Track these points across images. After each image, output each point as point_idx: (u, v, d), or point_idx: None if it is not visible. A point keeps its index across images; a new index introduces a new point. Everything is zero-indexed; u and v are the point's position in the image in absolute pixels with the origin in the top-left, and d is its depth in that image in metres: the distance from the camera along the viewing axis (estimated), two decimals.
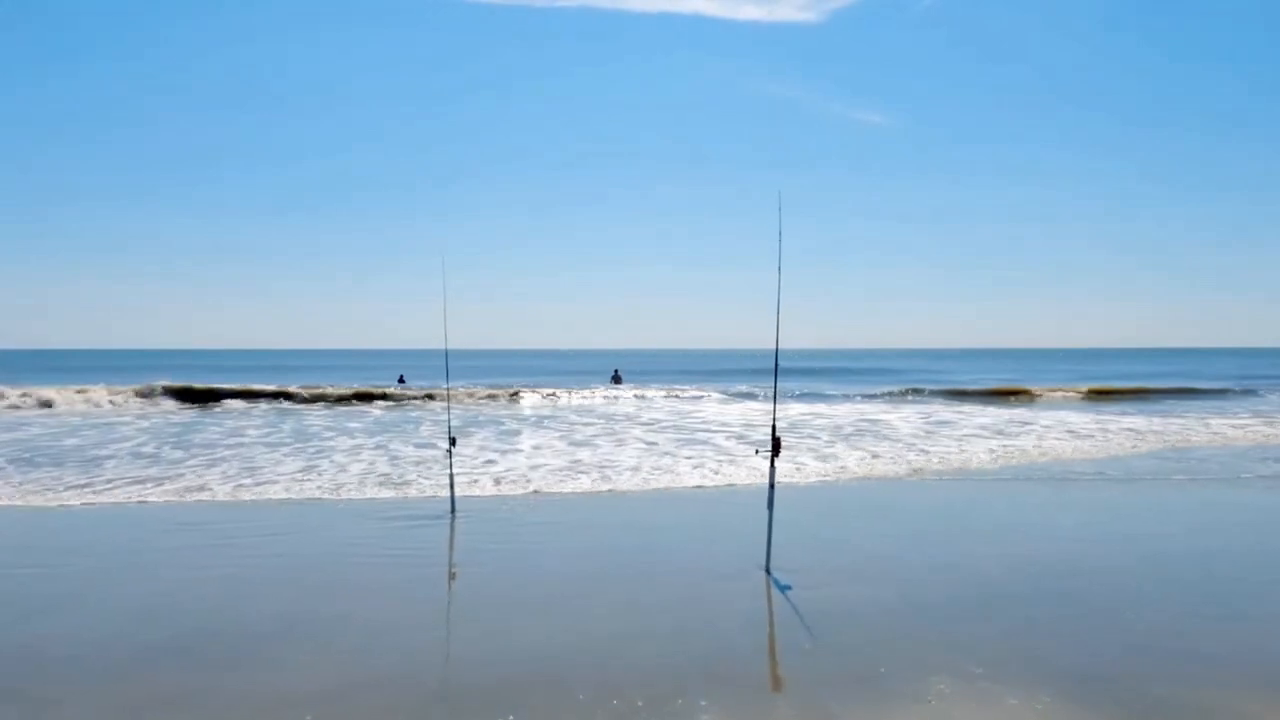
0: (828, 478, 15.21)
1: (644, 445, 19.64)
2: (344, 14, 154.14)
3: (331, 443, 19.73)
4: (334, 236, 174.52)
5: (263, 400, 33.15)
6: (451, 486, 11.95)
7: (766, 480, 8.68)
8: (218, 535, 10.77)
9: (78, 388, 32.69)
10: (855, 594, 7.97)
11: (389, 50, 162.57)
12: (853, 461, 16.89)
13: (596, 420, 26.65)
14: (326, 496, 13.27)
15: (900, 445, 19.37)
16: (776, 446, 8.81)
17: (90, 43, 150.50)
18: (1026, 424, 24.41)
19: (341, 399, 33.61)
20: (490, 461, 16.85)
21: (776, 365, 9.20)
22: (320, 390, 35.23)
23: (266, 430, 23.06)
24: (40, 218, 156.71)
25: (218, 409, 30.09)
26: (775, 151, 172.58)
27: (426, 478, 14.72)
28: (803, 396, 38.14)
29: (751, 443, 19.23)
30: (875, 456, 17.58)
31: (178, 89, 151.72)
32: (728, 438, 21.03)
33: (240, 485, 13.92)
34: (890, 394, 40.36)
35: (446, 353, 12.03)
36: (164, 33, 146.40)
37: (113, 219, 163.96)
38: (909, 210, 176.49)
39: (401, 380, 42.77)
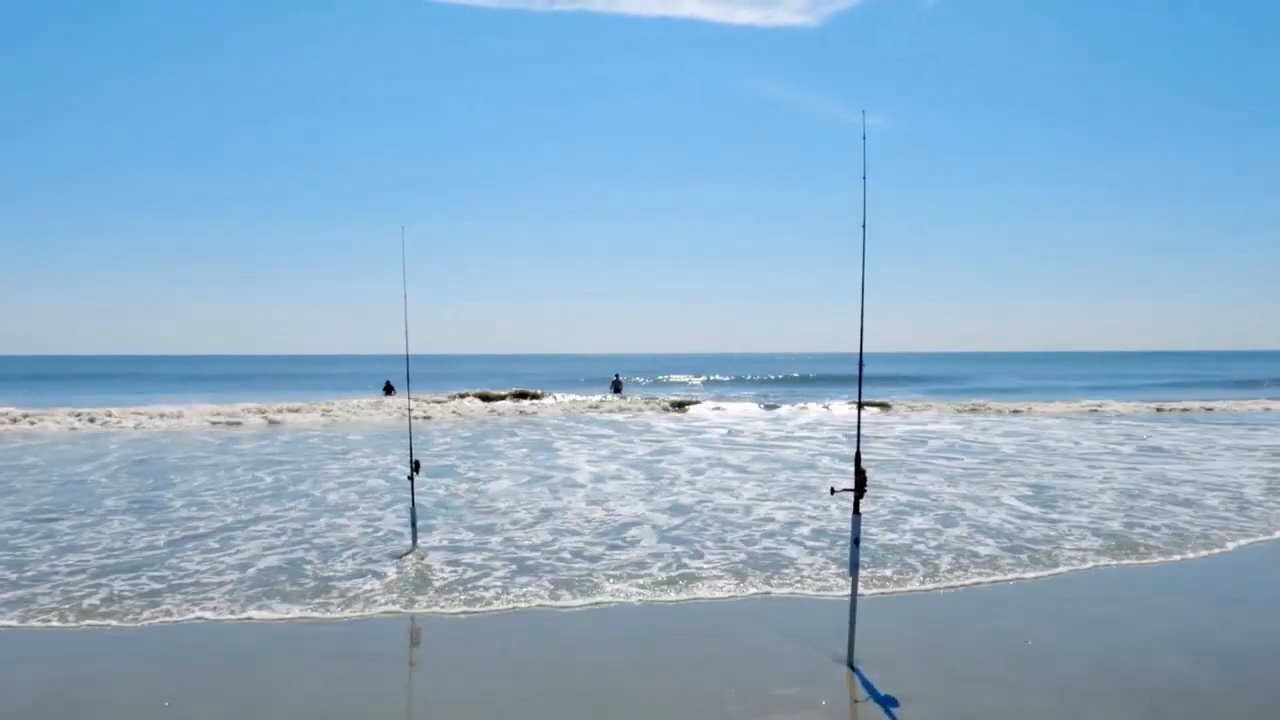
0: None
1: (739, 475, 14.54)
2: (331, 15, 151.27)
3: (325, 467, 15.14)
4: (333, 242, 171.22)
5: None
6: (413, 524, 9.16)
7: None
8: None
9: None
10: (992, 709, 5.16)
11: (380, 54, 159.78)
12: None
13: (643, 435, 21.75)
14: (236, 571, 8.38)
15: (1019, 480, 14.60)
16: (861, 482, 6.05)
17: (135, 53, 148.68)
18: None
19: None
20: (547, 513, 11.07)
21: (861, 369, 6.43)
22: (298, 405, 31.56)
23: (260, 443, 19.41)
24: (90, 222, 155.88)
25: (212, 427, 24.74)
26: (772, 155, 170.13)
27: (371, 568, 8.89)
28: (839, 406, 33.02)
29: (869, 463, 14.24)
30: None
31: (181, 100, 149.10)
32: (836, 459, 16.29)
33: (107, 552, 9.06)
34: (962, 408, 32.10)
35: (408, 357, 9.40)
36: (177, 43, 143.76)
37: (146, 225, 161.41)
38: (903, 213, 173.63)
39: (389, 389, 39.49)
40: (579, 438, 21.25)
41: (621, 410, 30.97)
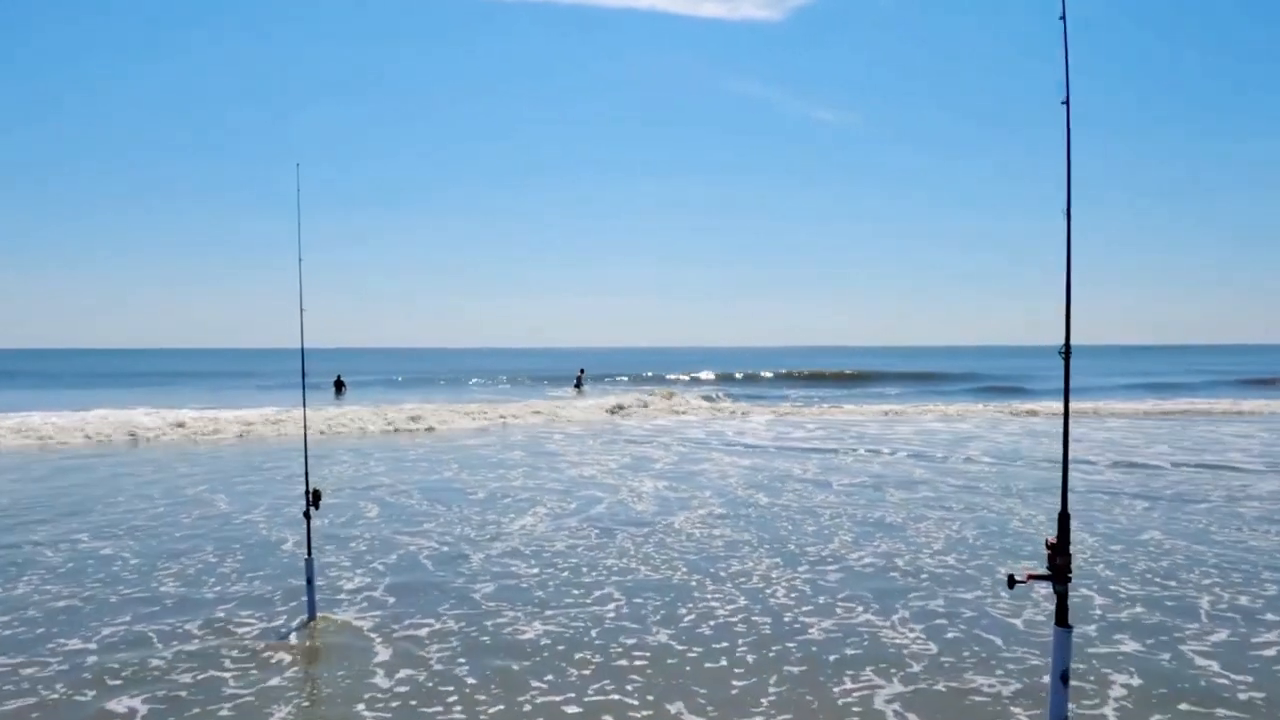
0: None
1: (862, 503, 10.11)
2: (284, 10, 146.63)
3: (293, 486, 10.31)
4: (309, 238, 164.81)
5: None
6: (310, 581, 6.08)
7: None
8: None
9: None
10: None
11: (349, 48, 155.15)
12: None
13: (632, 438, 17.34)
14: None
15: None
16: (1063, 562, 3.13)
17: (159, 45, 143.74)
18: None
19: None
20: (634, 597, 6.55)
21: (1068, 368, 3.54)
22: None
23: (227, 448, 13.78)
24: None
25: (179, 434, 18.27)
26: (735, 148, 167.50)
27: None
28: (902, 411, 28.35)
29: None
30: None
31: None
32: (927, 470, 11.65)
33: None
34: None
35: (303, 351, 6.11)
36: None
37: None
38: (861, 209, 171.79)
39: (339, 385, 35.68)
40: (561, 438, 17.21)
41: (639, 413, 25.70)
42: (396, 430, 18.60)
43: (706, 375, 47.90)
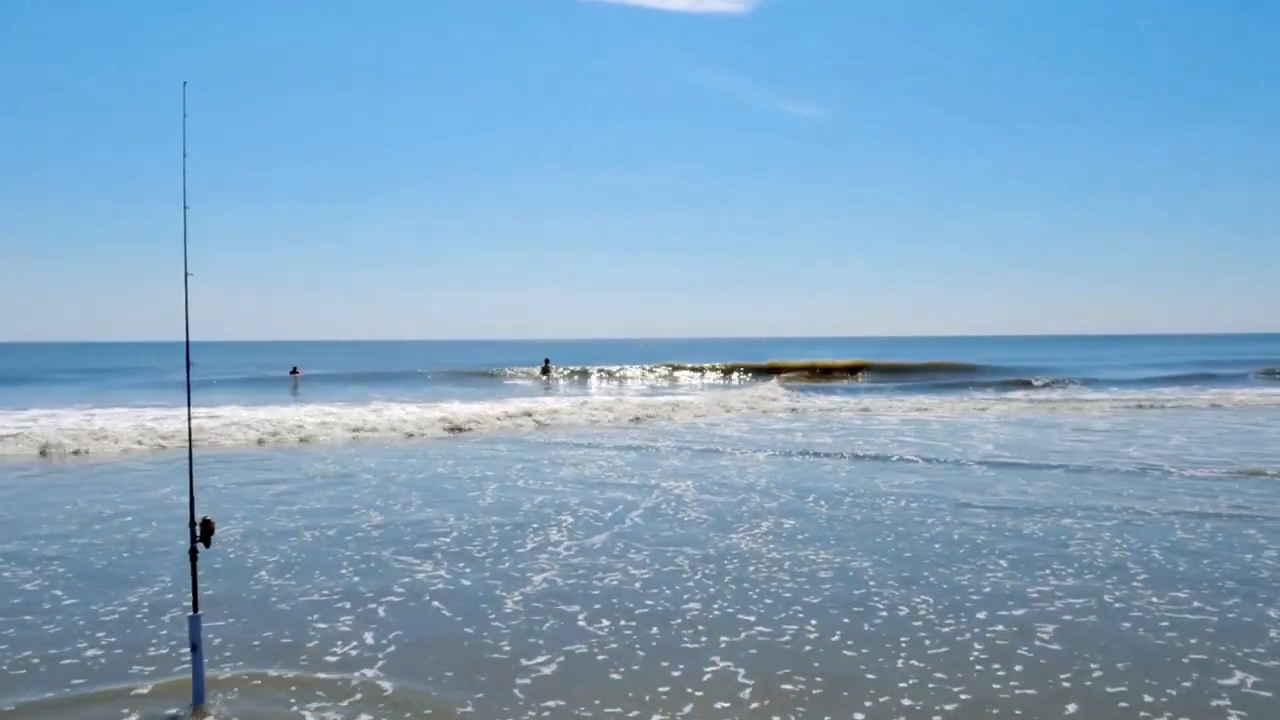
0: None
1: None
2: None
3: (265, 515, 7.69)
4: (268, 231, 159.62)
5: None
6: (195, 648, 3.69)
7: None
8: None
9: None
10: None
11: (318, 39, 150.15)
12: None
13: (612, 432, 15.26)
14: None
15: None
16: None
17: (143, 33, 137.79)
18: None
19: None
20: None
21: None
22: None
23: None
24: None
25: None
26: (703, 141, 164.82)
27: None
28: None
29: None
30: None
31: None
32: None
33: None
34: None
35: (187, 343, 4.28)
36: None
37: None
38: (836, 205, 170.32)
39: (295, 376, 33.44)
40: (545, 431, 14.91)
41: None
42: (365, 425, 15.86)
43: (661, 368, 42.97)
